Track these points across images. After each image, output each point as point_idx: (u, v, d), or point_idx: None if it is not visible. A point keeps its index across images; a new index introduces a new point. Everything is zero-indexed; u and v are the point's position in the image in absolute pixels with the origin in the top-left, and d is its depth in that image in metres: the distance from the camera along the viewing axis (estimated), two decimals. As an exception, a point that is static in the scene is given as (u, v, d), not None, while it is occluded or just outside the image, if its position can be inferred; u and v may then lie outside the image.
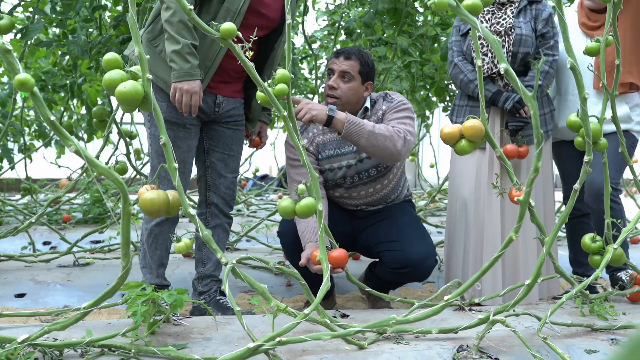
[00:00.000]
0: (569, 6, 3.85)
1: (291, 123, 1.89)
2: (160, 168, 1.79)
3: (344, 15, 3.82)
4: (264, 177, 7.60)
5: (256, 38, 2.33)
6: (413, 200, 2.78)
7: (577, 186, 1.86)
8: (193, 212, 1.74)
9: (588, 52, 2.22)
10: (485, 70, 2.62)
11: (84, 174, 4.41)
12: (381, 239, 2.49)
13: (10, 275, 2.87)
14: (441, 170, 6.17)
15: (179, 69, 2.12)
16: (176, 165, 1.71)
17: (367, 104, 2.46)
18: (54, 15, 2.67)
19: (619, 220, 2.18)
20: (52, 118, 1.34)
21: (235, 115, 2.44)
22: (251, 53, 1.79)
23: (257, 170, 6.27)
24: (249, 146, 2.68)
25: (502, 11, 2.66)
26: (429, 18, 3.28)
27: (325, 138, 2.50)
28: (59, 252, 3.21)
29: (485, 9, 2.68)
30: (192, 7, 2.09)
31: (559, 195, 3.80)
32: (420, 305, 1.97)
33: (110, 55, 1.72)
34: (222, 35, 1.70)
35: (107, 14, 3.44)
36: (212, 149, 2.44)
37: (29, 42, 2.93)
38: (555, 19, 2.86)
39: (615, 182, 2.64)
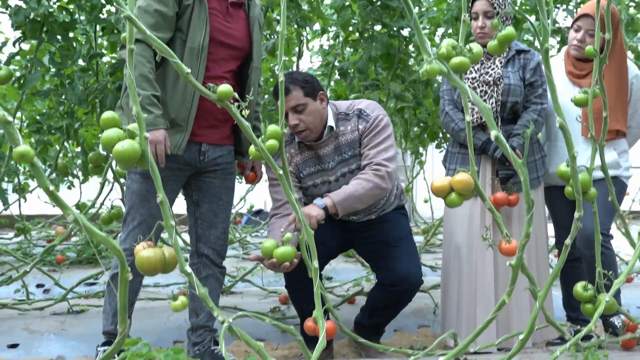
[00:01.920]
0: (557, 53, 3.94)
1: (285, 178, 1.91)
2: (157, 225, 1.79)
3: (337, 56, 3.89)
4: (259, 212, 7.60)
5: (232, 70, 2.38)
6: (405, 207, 2.81)
7: (568, 241, 1.89)
8: (189, 270, 1.76)
9: (576, 103, 2.27)
10: (475, 120, 2.67)
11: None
12: (374, 257, 2.62)
13: (3, 324, 2.85)
14: (435, 205, 6.20)
15: None
16: (173, 223, 1.73)
17: (331, 122, 2.45)
18: (51, 67, 2.71)
19: (610, 272, 2.20)
20: (51, 188, 1.36)
21: (223, 164, 2.42)
22: (247, 112, 1.83)
23: (252, 207, 6.27)
24: (245, 182, 2.68)
25: (491, 61, 2.71)
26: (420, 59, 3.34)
27: (303, 157, 2.52)
28: (53, 299, 3.20)
29: None
30: (152, 65, 2.18)
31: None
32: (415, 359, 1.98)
33: (108, 115, 1.75)
34: (219, 97, 1.74)
35: (106, 58, 3.49)
36: (201, 201, 2.42)
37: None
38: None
39: (606, 228, 2.67)
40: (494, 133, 1.55)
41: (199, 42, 2.23)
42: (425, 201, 6.40)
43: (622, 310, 2.37)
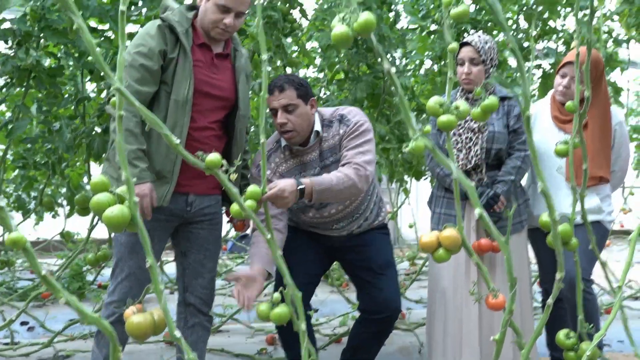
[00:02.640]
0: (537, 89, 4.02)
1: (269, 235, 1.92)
2: (146, 289, 1.81)
3: (323, 88, 3.92)
4: (244, 237, 7.57)
5: (219, 120, 2.39)
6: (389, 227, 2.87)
7: (550, 301, 1.92)
8: (178, 334, 1.77)
9: (557, 153, 2.32)
10: (460, 166, 2.70)
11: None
12: (358, 282, 2.67)
13: (-12, 371, 2.84)
14: (420, 230, 6.24)
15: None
16: (162, 287, 1.75)
17: (317, 127, 2.48)
18: (40, 114, 2.72)
19: (591, 326, 2.24)
20: (44, 272, 1.38)
21: (210, 214, 2.43)
22: (235, 176, 1.85)
23: (237, 234, 6.28)
24: (234, 230, 2.69)
25: (475, 107, 2.76)
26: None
27: (288, 165, 2.53)
28: (39, 344, 3.18)
29: None
30: (137, 119, 2.21)
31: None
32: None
33: (98, 179, 1.76)
34: (207, 166, 1.76)
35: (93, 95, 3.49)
36: (188, 251, 2.43)
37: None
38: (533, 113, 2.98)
39: (588, 274, 2.72)
40: (477, 211, 1.58)
41: (184, 94, 2.25)
42: (410, 226, 6.44)
43: (605, 358, 2.42)
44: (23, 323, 3.91)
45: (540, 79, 4.04)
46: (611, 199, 2.89)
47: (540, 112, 2.94)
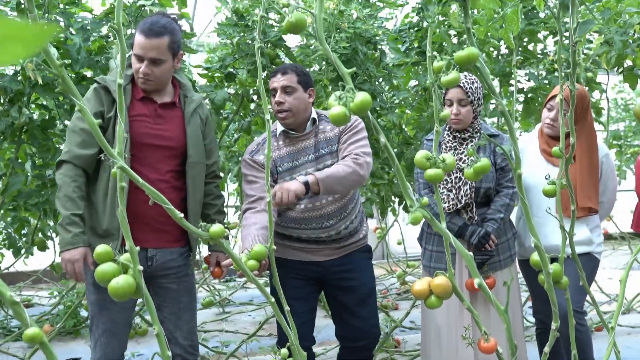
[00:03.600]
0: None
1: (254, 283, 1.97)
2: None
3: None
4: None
5: (173, 170, 2.38)
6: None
7: (546, 349, 1.99)
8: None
9: (545, 194, 2.39)
10: (450, 206, 2.76)
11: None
12: (339, 310, 2.72)
13: None
14: (408, 244, 6.32)
15: (61, 239, 2.24)
16: (169, 353, 1.78)
17: (314, 115, 2.58)
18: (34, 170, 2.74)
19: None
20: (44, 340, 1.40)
21: (175, 267, 2.42)
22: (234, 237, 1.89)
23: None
24: (212, 277, 2.71)
25: (464, 146, 2.82)
26: (393, 139, 3.45)
27: (281, 153, 2.57)
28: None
29: (448, 145, 2.84)
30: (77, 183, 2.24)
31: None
32: None
33: (101, 249, 1.79)
34: (211, 236, 1.80)
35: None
36: (162, 305, 2.42)
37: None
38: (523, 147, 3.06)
39: (579, 306, 2.80)
40: (477, 281, 1.64)
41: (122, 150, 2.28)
42: (399, 243, 6.51)
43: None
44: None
45: (522, 103, 4.12)
46: (601, 230, 2.97)
47: (528, 145, 3.01)
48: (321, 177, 2.35)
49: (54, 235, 5.38)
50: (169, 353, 1.74)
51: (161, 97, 2.40)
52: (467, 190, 2.74)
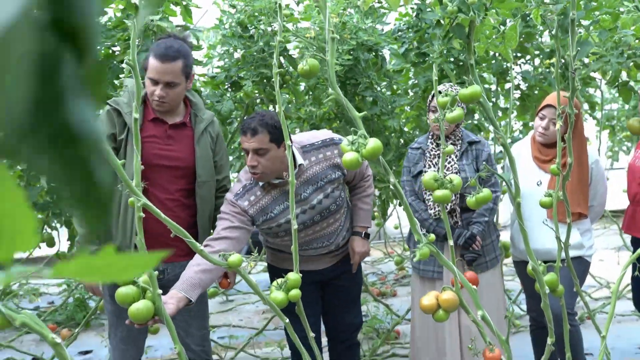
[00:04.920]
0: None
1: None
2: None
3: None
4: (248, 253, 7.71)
5: (183, 189, 2.47)
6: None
7: (544, 358, 2.13)
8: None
9: (542, 205, 2.51)
10: (437, 212, 2.87)
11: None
12: (333, 310, 2.87)
13: None
14: (405, 233, 6.45)
15: None
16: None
17: (300, 160, 2.49)
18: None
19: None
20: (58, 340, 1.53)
21: None
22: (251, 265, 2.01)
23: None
24: (219, 287, 2.82)
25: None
26: (394, 142, 3.55)
27: (271, 196, 2.51)
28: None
29: (431, 153, 2.94)
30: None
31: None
32: None
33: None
34: (230, 266, 1.91)
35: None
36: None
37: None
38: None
39: (571, 307, 2.94)
40: (480, 313, 1.76)
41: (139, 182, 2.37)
42: (396, 227, 6.64)
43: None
44: (34, 359, 4.04)
45: (519, 100, 4.21)
46: (591, 233, 3.11)
47: (520, 153, 3.12)
48: (368, 223, 2.80)
49: (58, 225, 5.48)
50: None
51: (173, 118, 2.48)
52: (452, 196, 2.84)
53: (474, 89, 1.84)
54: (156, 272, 1.91)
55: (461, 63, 3.43)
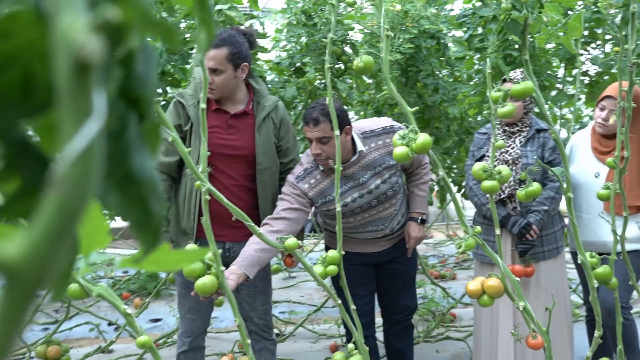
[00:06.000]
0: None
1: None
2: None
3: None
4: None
5: (247, 174, 2.59)
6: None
7: (589, 354, 2.16)
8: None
9: (599, 197, 2.51)
10: (495, 196, 2.87)
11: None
12: (389, 292, 2.97)
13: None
14: (468, 217, 6.44)
15: None
16: (248, 341, 2.05)
17: (360, 147, 2.59)
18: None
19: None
20: (129, 311, 1.69)
21: None
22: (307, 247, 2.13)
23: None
24: (284, 265, 2.97)
25: (512, 140, 2.92)
26: (455, 128, 3.58)
27: (331, 179, 2.62)
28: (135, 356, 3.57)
29: (496, 137, 2.94)
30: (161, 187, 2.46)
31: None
32: None
33: (191, 248, 2.07)
34: (286, 248, 2.05)
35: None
36: (239, 288, 2.64)
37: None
38: (570, 146, 3.15)
39: (625, 301, 2.92)
40: (522, 304, 1.82)
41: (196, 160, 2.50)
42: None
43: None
44: (111, 324, 4.34)
45: (587, 87, 4.13)
46: (651, 226, 3.06)
47: (581, 143, 3.09)
48: (425, 209, 2.85)
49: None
50: (249, 341, 2.03)
51: (234, 107, 2.59)
52: (510, 182, 2.85)
53: (527, 84, 1.87)
54: (221, 251, 2.07)
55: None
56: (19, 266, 0.27)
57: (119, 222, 5.38)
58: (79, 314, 4.05)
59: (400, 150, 1.72)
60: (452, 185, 3.97)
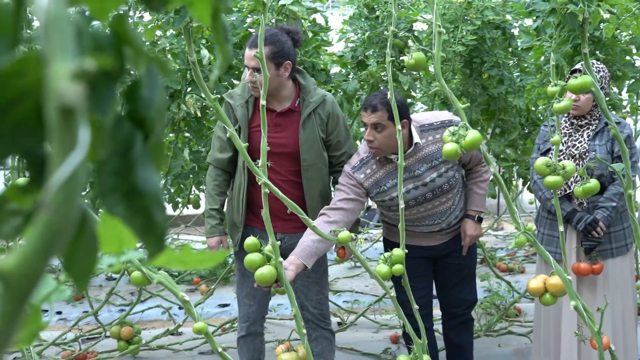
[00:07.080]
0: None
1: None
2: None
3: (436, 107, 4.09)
4: (367, 209, 7.88)
5: (293, 170, 2.65)
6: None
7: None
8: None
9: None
10: (560, 192, 2.80)
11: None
12: (446, 285, 2.96)
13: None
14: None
15: (205, 229, 2.78)
16: (304, 331, 2.11)
17: (417, 139, 2.58)
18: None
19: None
20: (187, 298, 1.78)
21: None
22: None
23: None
24: (337, 256, 3.01)
25: (579, 133, 2.82)
26: (521, 121, 3.51)
27: (386, 170, 2.63)
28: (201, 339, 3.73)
29: (563, 131, 2.87)
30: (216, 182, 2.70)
31: None
32: None
33: (250, 241, 2.15)
34: (340, 241, 2.09)
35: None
36: (295, 277, 2.60)
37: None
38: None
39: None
40: (572, 304, 1.79)
41: (242, 160, 2.57)
42: (531, 202, 6.49)
43: None
44: (181, 307, 4.53)
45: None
46: None
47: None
48: (482, 208, 2.81)
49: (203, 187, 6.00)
50: (304, 331, 2.09)
51: (281, 104, 2.64)
52: (577, 176, 2.76)
53: (584, 79, 1.83)
54: (278, 242, 2.14)
55: (596, 40, 3.29)
56: (12, 274, 0.33)
57: (191, 210, 5.58)
58: (152, 297, 4.25)
59: (449, 147, 1.73)
60: (517, 178, 3.91)
